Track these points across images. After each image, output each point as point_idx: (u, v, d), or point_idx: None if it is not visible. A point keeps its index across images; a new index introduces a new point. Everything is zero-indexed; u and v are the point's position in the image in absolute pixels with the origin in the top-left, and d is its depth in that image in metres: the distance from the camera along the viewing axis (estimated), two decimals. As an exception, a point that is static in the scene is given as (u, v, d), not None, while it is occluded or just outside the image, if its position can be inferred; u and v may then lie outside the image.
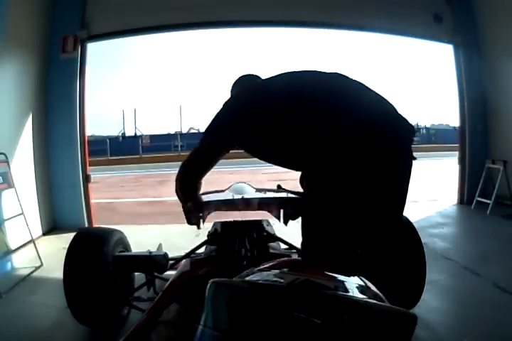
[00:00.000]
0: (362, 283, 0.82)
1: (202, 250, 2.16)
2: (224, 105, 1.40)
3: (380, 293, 0.82)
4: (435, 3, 4.69)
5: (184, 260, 1.99)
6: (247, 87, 1.54)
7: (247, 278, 0.77)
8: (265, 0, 4.43)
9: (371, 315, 0.64)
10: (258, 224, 2.21)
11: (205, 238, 2.22)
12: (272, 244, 2.16)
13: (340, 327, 0.62)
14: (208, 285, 0.66)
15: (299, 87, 1.36)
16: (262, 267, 0.89)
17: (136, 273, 2.19)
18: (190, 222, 1.84)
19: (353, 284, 0.78)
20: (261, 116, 1.32)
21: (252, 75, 1.68)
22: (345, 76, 1.42)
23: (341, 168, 1.29)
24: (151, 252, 2.02)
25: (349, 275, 0.85)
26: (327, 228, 1.37)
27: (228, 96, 1.56)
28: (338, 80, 1.42)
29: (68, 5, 4.22)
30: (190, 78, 41.78)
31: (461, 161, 5.00)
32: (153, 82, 40.08)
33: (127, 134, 21.34)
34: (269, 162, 1.46)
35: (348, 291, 0.73)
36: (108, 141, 18.20)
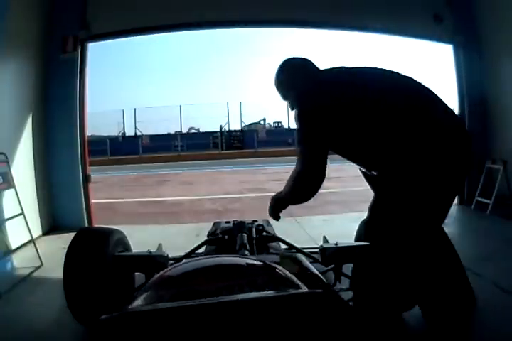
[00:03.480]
0: (264, 274, 0.85)
1: (202, 250, 2.16)
2: (308, 109, 1.52)
3: (291, 277, 0.84)
4: (435, 3, 4.69)
5: (184, 260, 2.00)
6: (319, 84, 1.59)
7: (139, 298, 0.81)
8: (265, 0, 4.44)
9: (257, 309, 0.64)
10: (258, 224, 2.22)
11: (205, 238, 2.23)
12: (272, 243, 2.16)
13: (231, 332, 0.63)
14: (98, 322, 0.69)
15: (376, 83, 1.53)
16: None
17: (136, 273, 2.19)
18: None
19: (243, 280, 0.80)
20: (342, 111, 1.45)
21: (302, 60, 1.72)
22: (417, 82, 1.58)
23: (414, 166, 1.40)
24: (151, 252, 2.02)
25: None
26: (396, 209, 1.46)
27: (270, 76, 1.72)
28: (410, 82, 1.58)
29: (68, 5, 4.21)
30: (190, 77, 41.80)
31: (461, 161, 5.00)
32: (153, 81, 40.07)
33: (127, 134, 21.35)
34: (349, 158, 1.60)
35: (232, 291, 0.75)
36: (108, 141, 18.21)
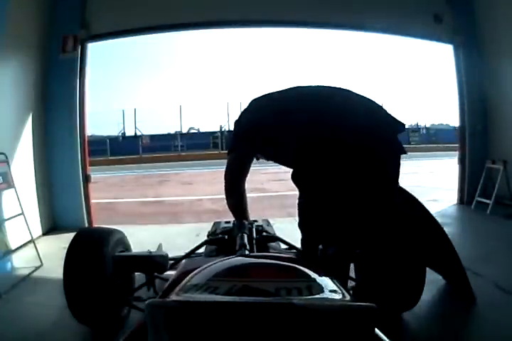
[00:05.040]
0: (319, 279, 0.83)
1: (202, 250, 2.16)
2: (238, 124, 1.83)
3: (340, 289, 0.83)
4: (435, 3, 4.69)
5: (184, 260, 1.99)
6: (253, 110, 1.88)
7: (184, 294, 0.78)
8: (265, 0, 4.44)
9: (316, 316, 0.63)
10: (258, 224, 2.22)
11: (205, 238, 2.23)
12: (271, 243, 2.16)
13: (282, 335, 0.62)
14: (145, 307, 0.67)
15: (292, 105, 1.66)
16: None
17: (136, 273, 2.19)
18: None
19: (302, 283, 0.79)
20: (268, 131, 1.66)
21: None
22: (332, 87, 1.70)
23: (326, 167, 1.56)
24: (151, 252, 2.01)
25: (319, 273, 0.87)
26: (323, 220, 1.71)
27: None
28: (325, 93, 1.69)
29: (68, 5, 4.22)
30: (189, 78, 41.78)
31: (461, 161, 5.01)
32: (153, 81, 40.08)
33: (127, 134, 21.31)
34: (280, 163, 1.82)
35: (290, 293, 0.74)
36: (108, 141, 18.18)
